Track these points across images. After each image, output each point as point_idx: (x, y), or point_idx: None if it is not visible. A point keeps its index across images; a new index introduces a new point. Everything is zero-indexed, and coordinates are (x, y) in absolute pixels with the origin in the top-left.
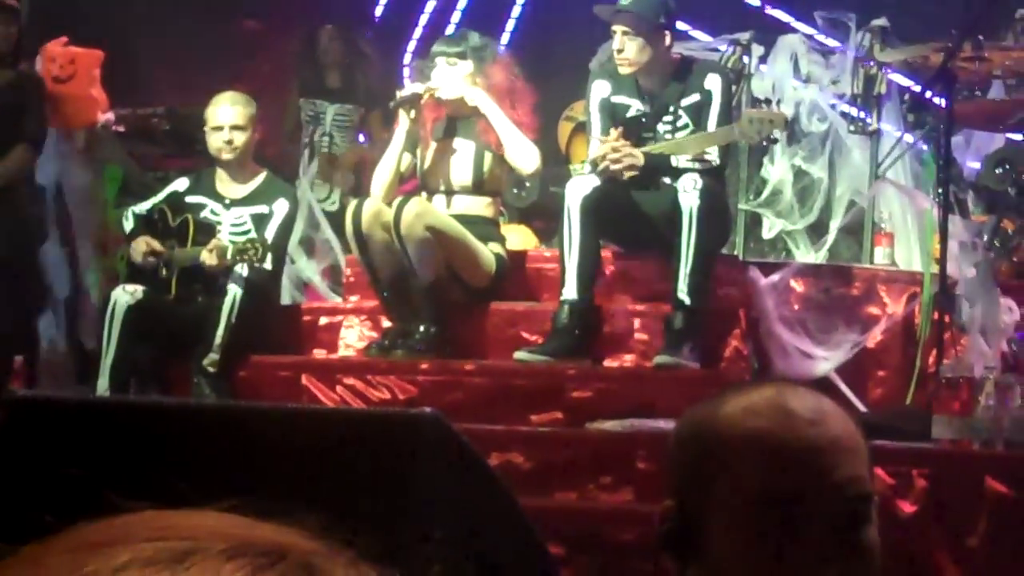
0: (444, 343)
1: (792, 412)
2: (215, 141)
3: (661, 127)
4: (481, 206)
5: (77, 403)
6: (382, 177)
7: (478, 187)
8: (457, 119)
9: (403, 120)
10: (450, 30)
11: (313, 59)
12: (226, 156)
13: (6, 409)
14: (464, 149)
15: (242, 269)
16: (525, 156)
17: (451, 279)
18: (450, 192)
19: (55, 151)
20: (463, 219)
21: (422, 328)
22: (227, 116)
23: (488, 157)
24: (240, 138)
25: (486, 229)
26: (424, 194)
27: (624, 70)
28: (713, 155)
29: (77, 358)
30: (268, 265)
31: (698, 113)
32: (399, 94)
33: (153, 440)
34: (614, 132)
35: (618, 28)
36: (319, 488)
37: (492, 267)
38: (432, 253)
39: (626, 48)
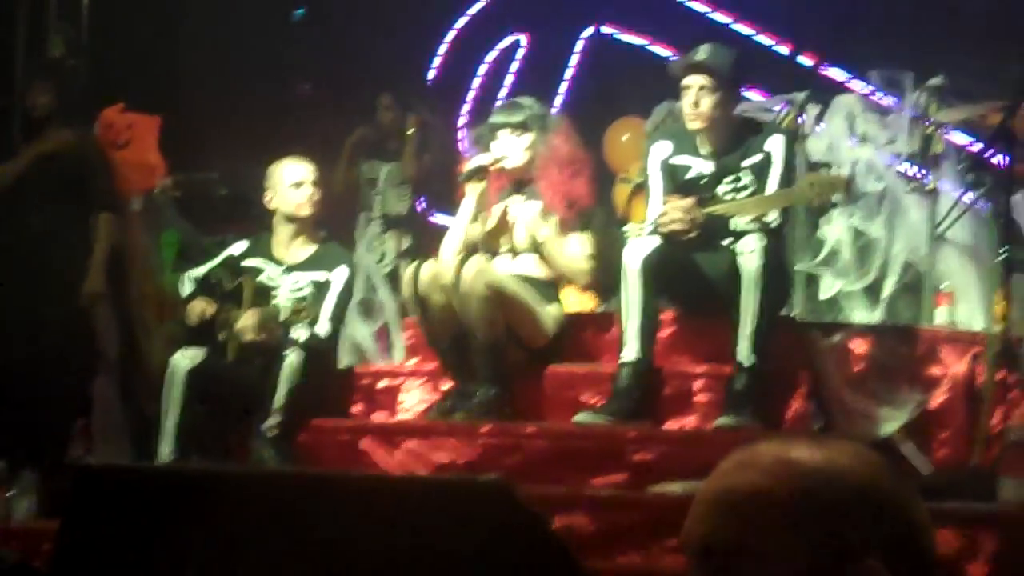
0: (504, 404)
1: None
2: (297, 197)
3: (722, 188)
4: (540, 267)
5: (146, 472)
6: (451, 247)
7: (538, 249)
8: (519, 184)
9: (470, 191)
10: (502, 94)
11: (370, 123)
12: (305, 212)
13: (74, 478)
14: (525, 213)
15: (298, 333)
16: (579, 275)
17: (510, 339)
18: (511, 252)
19: (113, 215)
20: (522, 279)
21: (481, 390)
22: (301, 173)
23: (552, 225)
24: (317, 194)
25: (545, 290)
26: (484, 257)
27: (695, 125)
28: (773, 216)
29: (134, 422)
30: (325, 330)
31: (759, 175)
32: (466, 167)
33: (220, 508)
34: (686, 199)
35: (694, 83)
36: (384, 557)
37: (551, 327)
38: (491, 312)
39: (702, 103)
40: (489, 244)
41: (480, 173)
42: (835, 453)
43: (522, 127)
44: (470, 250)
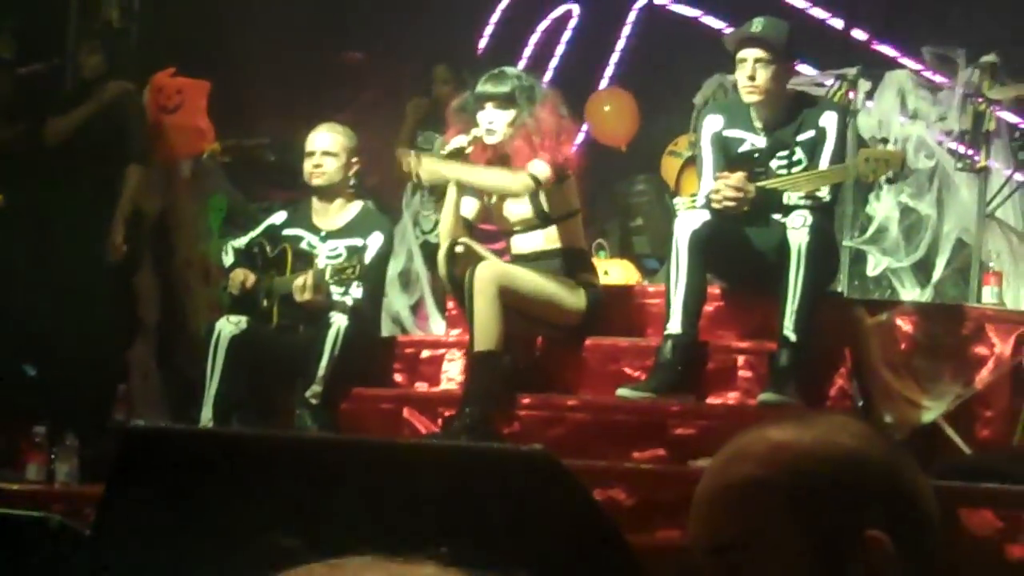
0: (486, 424)
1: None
2: (306, 166)
3: (775, 163)
4: (559, 236)
5: (191, 434)
6: (444, 226)
7: (544, 218)
8: (503, 157)
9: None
10: (553, 64)
11: (426, 94)
12: (315, 181)
13: (121, 439)
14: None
15: (346, 298)
16: (514, 185)
17: (539, 323)
18: (524, 229)
19: (161, 180)
20: (547, 254)
21: (464, 412)
22: (320, 143)
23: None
24: (331, 164)
25: (571, 260)
26: (505, 237)
27: (752, 98)
28: (824, 192)
29: (176, 387)
30: (366, 296)
31: (812, 150)
32: (446, 147)
33: (262, 471)
34: (737, 174)
35: (749, 56)
36: (426, 522)
37: (582, 304)
38: (498, 322)
39: (758, 75)
40: (502, 223)
41: (461, 153)
42: (825, 430)
43: (508, 99)
44: (466, 229)
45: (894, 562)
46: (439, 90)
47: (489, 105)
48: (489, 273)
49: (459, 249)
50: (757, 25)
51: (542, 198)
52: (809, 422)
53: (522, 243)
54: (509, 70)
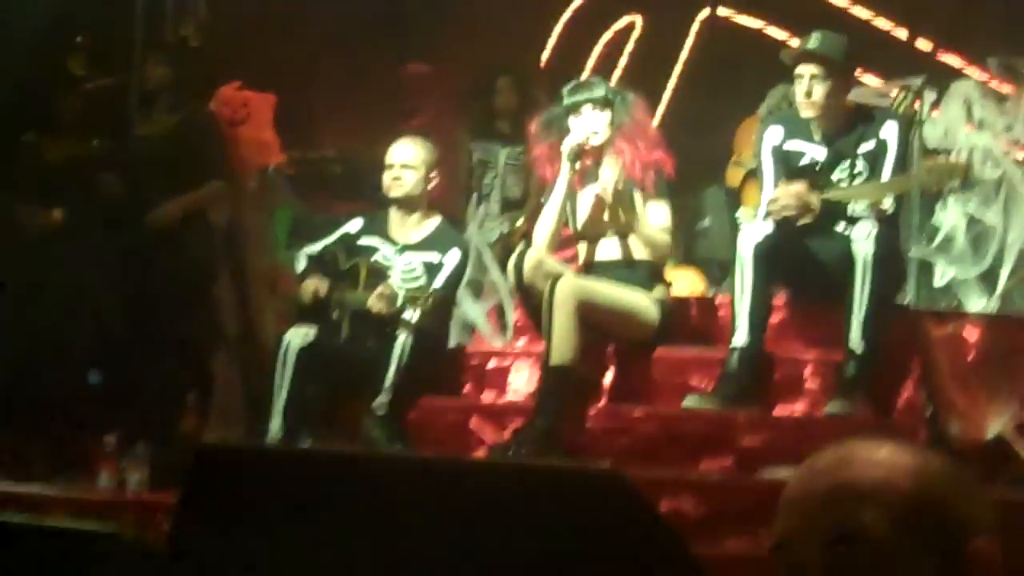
0: (553, 438)
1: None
2: (385, 178)
3: (836, 174)
4: (640, 248)
5: (264, 451)
6: (546, 227)
7: (632, 227)
8: (601, 164)
9: (566, 170)
10: (616, 76)
11: (487, 104)
12: (393, 193)
13: (195, 459)
14: (614, 193)
15: (412, 315)
16: (661, 247)
17: (611, 337)
18: (609, 236)
19: (228, 192)
20: (626, 264)
21: (530, 426)
22: (399, 155)
23: (638, 197)
24: (409, 176)
25: (647, 273)
26: (585, 243)
27: (809, 113)
28: (888, 203)
29: (249, 397)
30: (435, 310)
31: (874, 161)
32: (567, 145)
33: (337, 491)
34: (797, 184)
35: (806, 72)
36: (496, 544)
37: (654, 319)
38: (576, 336)
39: (814, 91)
40: (587, 230)
41: (580, 152)
42: (917, 451)
43: (605, 102)
44: (560, 233)
45: (1000, 566)
46: (502, 99)
47: (586, 108)
48: (569, 288)
49: (528, 257)
50: (814, 41)
51: (638, 208)
52: (897, 445)
53: (605, 251)
54: (593, 78)
